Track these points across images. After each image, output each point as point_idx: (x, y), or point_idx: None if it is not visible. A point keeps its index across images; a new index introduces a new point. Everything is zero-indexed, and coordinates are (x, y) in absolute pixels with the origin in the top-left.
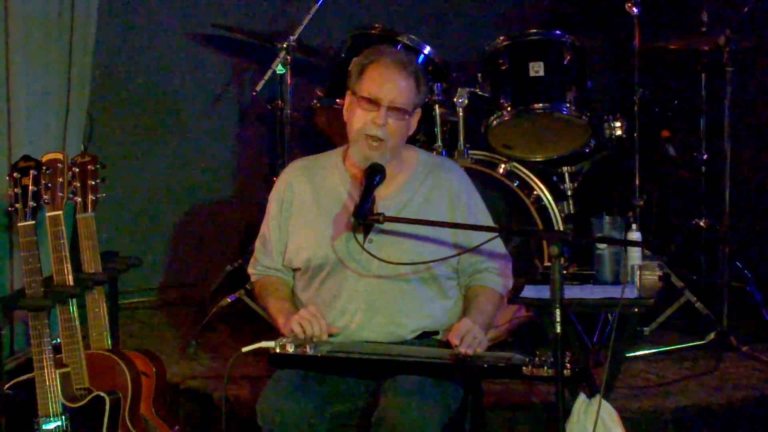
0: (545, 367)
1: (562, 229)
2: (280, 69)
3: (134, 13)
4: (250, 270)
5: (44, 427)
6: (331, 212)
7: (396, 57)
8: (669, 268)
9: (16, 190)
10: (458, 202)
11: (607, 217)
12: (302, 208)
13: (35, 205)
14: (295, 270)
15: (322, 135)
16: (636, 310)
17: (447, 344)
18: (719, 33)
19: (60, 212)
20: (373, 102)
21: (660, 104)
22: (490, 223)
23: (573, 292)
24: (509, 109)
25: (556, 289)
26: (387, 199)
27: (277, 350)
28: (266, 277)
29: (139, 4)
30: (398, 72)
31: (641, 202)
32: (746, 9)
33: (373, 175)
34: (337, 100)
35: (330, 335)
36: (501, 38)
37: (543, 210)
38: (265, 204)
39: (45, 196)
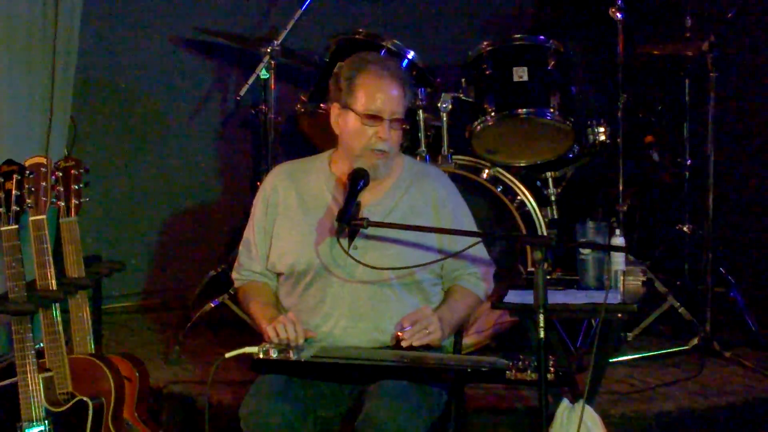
0: (529, 372)
1: (545, 234)
2: (264, 74)
3: (118, 17)
4: (234, 275)
5: (27, 431)
6: (316, 217)
7: (384, 65)
8: (652, 274)
9: None
10: (443, 209)
11: (590, 222)
12: (287, 212)
13: (18, 209)
14: (278, 275)
15: (306, 139)
16: (619, 315)
17: (431, 348)
18: (703, 38)
19: (43, 217)
20: (375, 117)
21: (644, 110)
22: (474, 229)
23: (557, 297)
24: (493, 114)
25: (540, 295)
26: (372, 205)
27: (261, 356)
28: (250, 282)
29: (123, 8)
30: (391, 82)
31: (625, 208)
32: (729, 15)
33: (357, 180)
34: (321, 105)
35: (306, 339)
36: (485, 43)
37: (527, 215)
38: (249, 208)
39: (28, 201)
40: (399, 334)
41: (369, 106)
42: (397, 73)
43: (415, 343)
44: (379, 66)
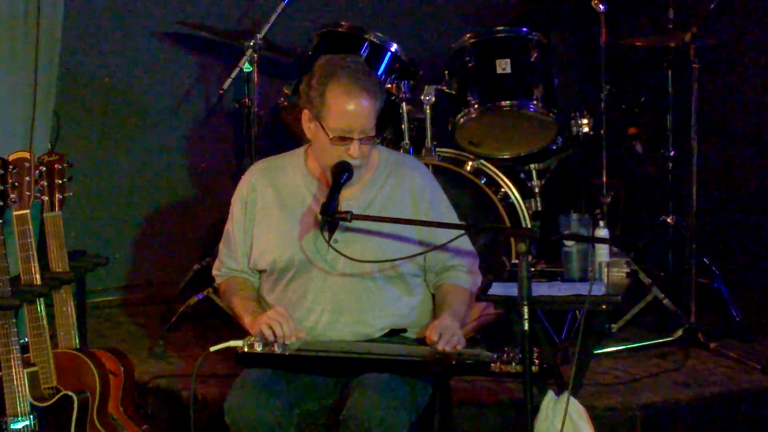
0: (513, 364)
1: (529, 226)
2: (247, 67)
3: (100, 11)
4: (215, 272)
5: (12, 426)
6: (295, 213)
7: (354, 77)
8: (637, 265)
9: None
10: (422, 198)
11: (574, 214)
12: (266, 210)
13: (2, 204)
14: (260, 272)
15: (290, 133)
16: (604, 307)
17: (416, 341)
18: (685, 30)
19: (27, 211)
20: (345, 138)
21: (627, 101)
22: (454, 219)
23: (541, 289)
24: (476, 106)
25: (524, 287)
26: (351, 198)
27: (245, 349)
28: (231, 278)
29: (106, 2)
30: (362, 95)
31: (608, 199)
32: (712, 6)
33: (341, 173)
34: None
35: (297, 338)
36: (468, 35)
37: (510, 207)
38: None
39: (12, 195)
40: (437, 346)
41: (339, 125)
42: (367, 84)
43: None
44: (349, 78)
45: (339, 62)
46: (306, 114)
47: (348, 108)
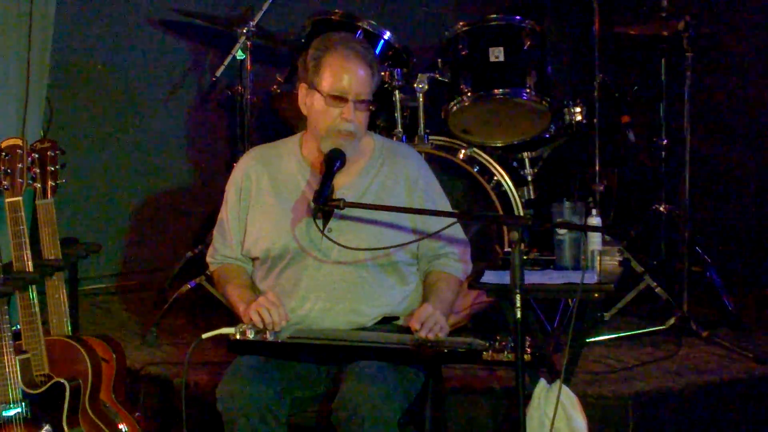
0: (505, 353)
1: (522, 214)
2: (240, 54)
3: None
4: (209, 259)
5: (4, 413)
6: (289, 201)
7: (351, 46)
8: (629, 254)
9: None
10: (415, 187)
11: (567, 202)
12: (260, 198)
13: None
14: (254, 259)
15: (283, 120)
16: (596, 295)
17: (408, 330)
18: (679, 18)
19: (19, 198)
20: (340, 98)
21: (620, 90)
22: (448, 207)
23: (533, 277)
24: (469, 94)
25: (517, 275)
26: (345, 187)
27: (237, 336)
28: (226, 265)
29: None
30: (358, 63)
31: (601, 188)
32: None
33: (334, 161)
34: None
35: (285, 322)
36: (461, 23)
37: (503, 195)
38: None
39: (4, 182)
40: (420, 334)
41: (334, 86)
42: (364, 54)
43: (441, 336)
44: (346, 46)
45: (336, 35)
46: (302, 89)
47: (344, 71)
